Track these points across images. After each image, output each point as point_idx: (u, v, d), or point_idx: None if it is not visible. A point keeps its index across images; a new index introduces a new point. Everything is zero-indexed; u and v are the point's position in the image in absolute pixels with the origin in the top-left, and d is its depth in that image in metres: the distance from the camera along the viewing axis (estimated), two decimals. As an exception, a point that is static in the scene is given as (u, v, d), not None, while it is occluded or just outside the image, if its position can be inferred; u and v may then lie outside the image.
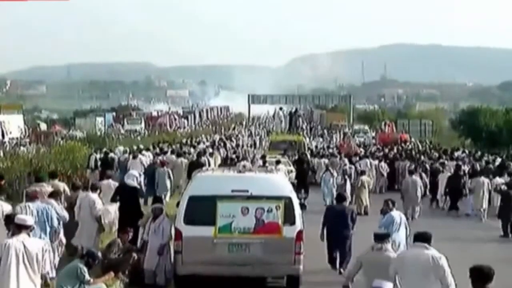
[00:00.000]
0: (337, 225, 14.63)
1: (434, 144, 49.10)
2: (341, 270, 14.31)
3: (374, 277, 8.79)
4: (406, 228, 13.43)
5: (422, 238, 8.87)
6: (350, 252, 14.45)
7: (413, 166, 28.97)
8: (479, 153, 37.28)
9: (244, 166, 13.79)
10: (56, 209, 13.01)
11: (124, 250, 12.88)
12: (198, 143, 41.56)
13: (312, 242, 13.84)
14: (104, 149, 31.37)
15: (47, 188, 14.79)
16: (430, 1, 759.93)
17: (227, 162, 29.76)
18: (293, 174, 26.65)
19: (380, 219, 13.64)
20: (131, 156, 28.24)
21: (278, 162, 26.41)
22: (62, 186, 16.26)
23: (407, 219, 15.14)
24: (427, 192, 26.40)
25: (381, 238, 9.91)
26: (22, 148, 32.07)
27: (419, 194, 23.37)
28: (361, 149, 41.30)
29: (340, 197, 15.61)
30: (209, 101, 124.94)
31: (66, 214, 13.45)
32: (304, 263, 12.41)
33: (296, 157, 30.79)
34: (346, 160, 30.60)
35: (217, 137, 50.90)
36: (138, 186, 15.67)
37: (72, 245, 14.49)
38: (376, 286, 7.73)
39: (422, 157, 34.00)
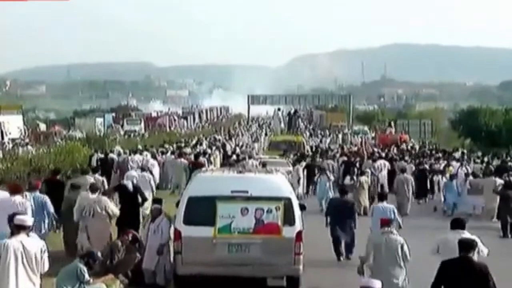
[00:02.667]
0: (341, 216, 15.89)
1: (434, 145, 49.05)
2: (349, 256, 15.58)
3: (385, 258, 10.65)
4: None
5: (458, 224, 10.84)
6: (354, 241, 15.67)
7: (407, 166, 28.95)
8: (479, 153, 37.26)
9: (244, 167, 13.84)
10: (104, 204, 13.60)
11: (126, 251, 12.88)
12: (197, 144, 41.49)
13: (312, 242, 13.86)
14: (109, 149, 31.36)
15: (89, 180, 15.77)
16: (430, 1, 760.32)
17: (226, 162, 29.71)
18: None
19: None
20: (148, 157, 28.15)
21: (299, 160, 26.30)
22: (88, 179, 16.55)
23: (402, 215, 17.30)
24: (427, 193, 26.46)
25: (387, 223, 11.32)
26: (25, 148, 32.03)
27: (410, 191, 24.09)
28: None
29: (342, 190, 17.14)
30: (204, 100, 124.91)
31: (116, 210, 13.99)
32: (303, 263, 12.41)
33: (296, 157, 30.78)
34: (333, 162, 31.05)
35: (215, 137, 50.79)
36: (131, 188, 15.63)
37: (75, 245, 14.48)
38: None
39: (421, 158, 33.98)
